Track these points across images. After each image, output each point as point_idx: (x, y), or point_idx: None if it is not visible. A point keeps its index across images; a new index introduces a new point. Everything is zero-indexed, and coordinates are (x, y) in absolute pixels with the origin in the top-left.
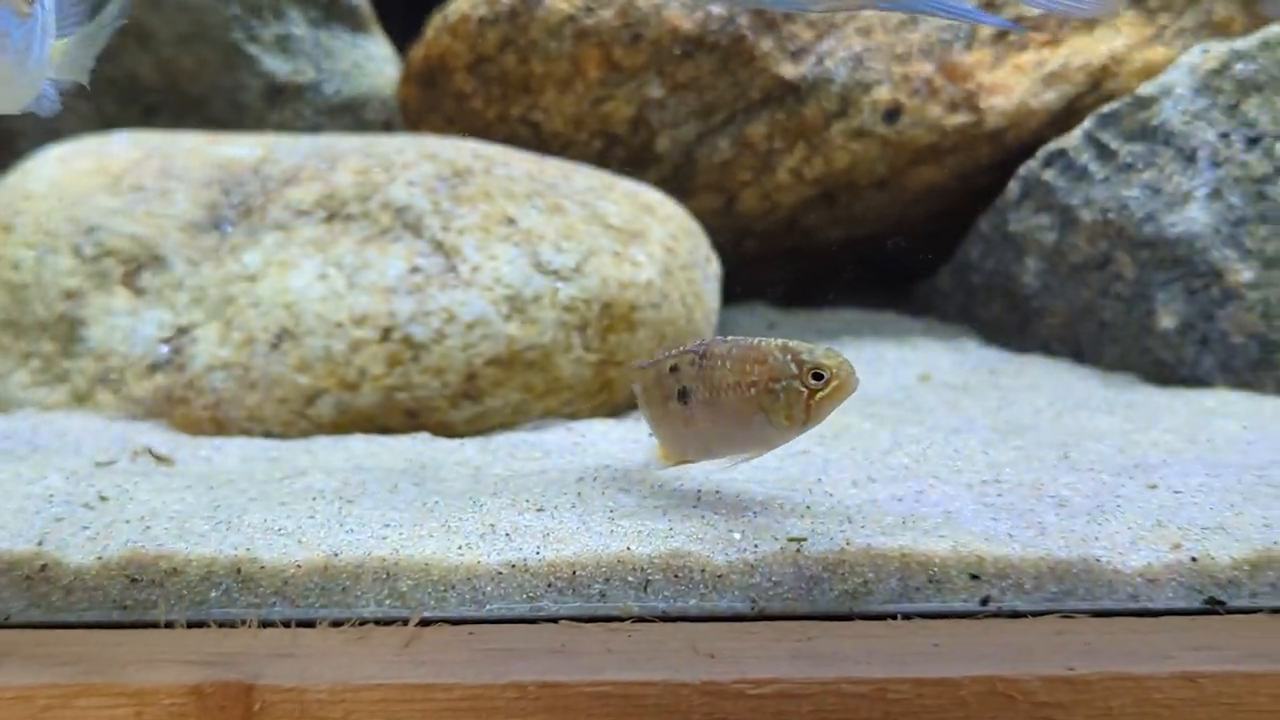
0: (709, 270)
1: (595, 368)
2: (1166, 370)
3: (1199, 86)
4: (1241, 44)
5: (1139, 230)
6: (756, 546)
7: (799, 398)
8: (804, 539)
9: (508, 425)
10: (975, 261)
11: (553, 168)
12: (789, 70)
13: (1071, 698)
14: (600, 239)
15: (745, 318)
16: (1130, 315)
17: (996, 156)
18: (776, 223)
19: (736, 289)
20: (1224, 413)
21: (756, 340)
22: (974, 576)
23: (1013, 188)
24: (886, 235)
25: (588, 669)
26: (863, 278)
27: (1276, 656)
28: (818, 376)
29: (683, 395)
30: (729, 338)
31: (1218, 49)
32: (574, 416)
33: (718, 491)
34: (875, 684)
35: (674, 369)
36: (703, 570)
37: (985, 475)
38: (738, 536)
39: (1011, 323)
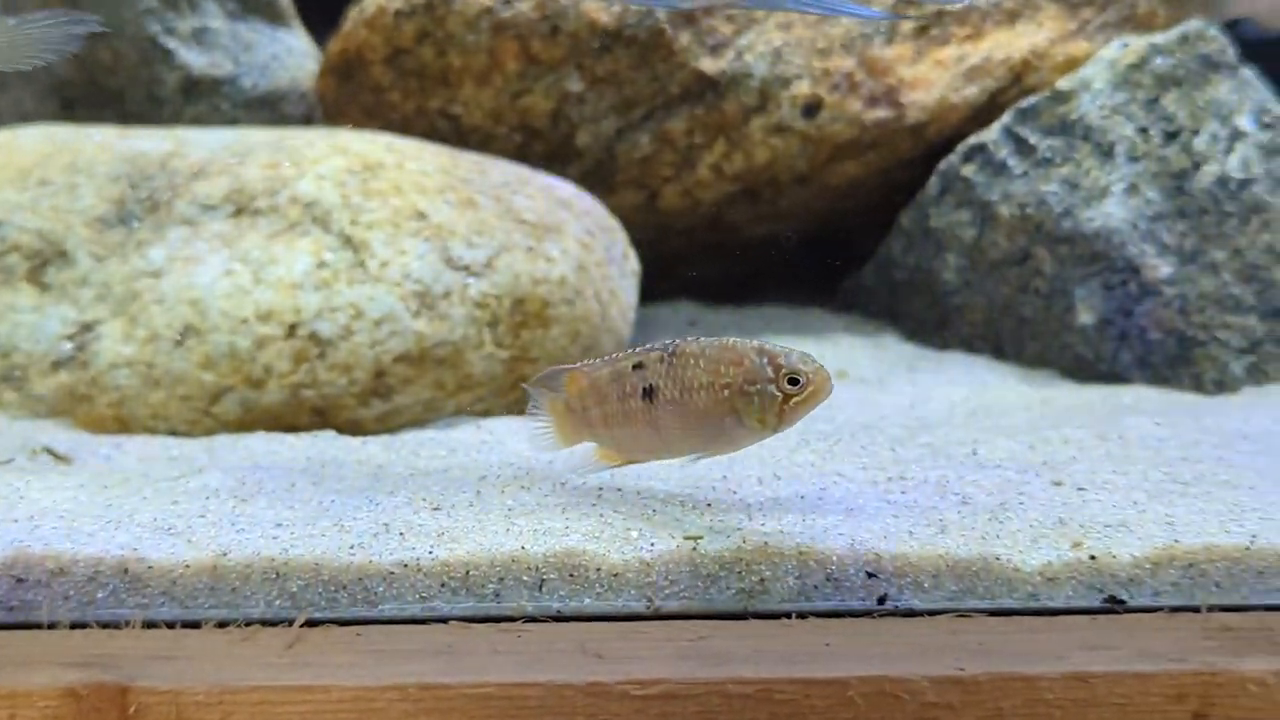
0: (626, 267)
1: (507, 364)
2: (1085, 366)
3: (1117, 81)
4: (1160, 39)
5: (1057, 225)
6: (653, 545)
7: (773, 402)
8: (700, 537)
9: (419, 423)
10: (897, 258)
11: (467, 162)
12: (708, 65)
13: (961, 698)
14: (513, 234)
15: (668, 315)
16: (1049, 311)
17: (918, 151)
18: (700, 219)
19: (661, 286)
20: (1139, 409)
21: (731, 340)
22: (871, 575)
23: (933, 183)
24: (812, 232)
25: (471, 670)
26: (789, 274)
27: (1170, 656)
28: (793, 382)
29: (647, 393)
30: (699, 338)
31: (1137, 44)
32: (487, 414)
33: (619, 489)
34: (761, 684)
35: (638, 366)
36: (598, 569)
37: (891, 472)
38: (635, 534)
39: (932, 319)
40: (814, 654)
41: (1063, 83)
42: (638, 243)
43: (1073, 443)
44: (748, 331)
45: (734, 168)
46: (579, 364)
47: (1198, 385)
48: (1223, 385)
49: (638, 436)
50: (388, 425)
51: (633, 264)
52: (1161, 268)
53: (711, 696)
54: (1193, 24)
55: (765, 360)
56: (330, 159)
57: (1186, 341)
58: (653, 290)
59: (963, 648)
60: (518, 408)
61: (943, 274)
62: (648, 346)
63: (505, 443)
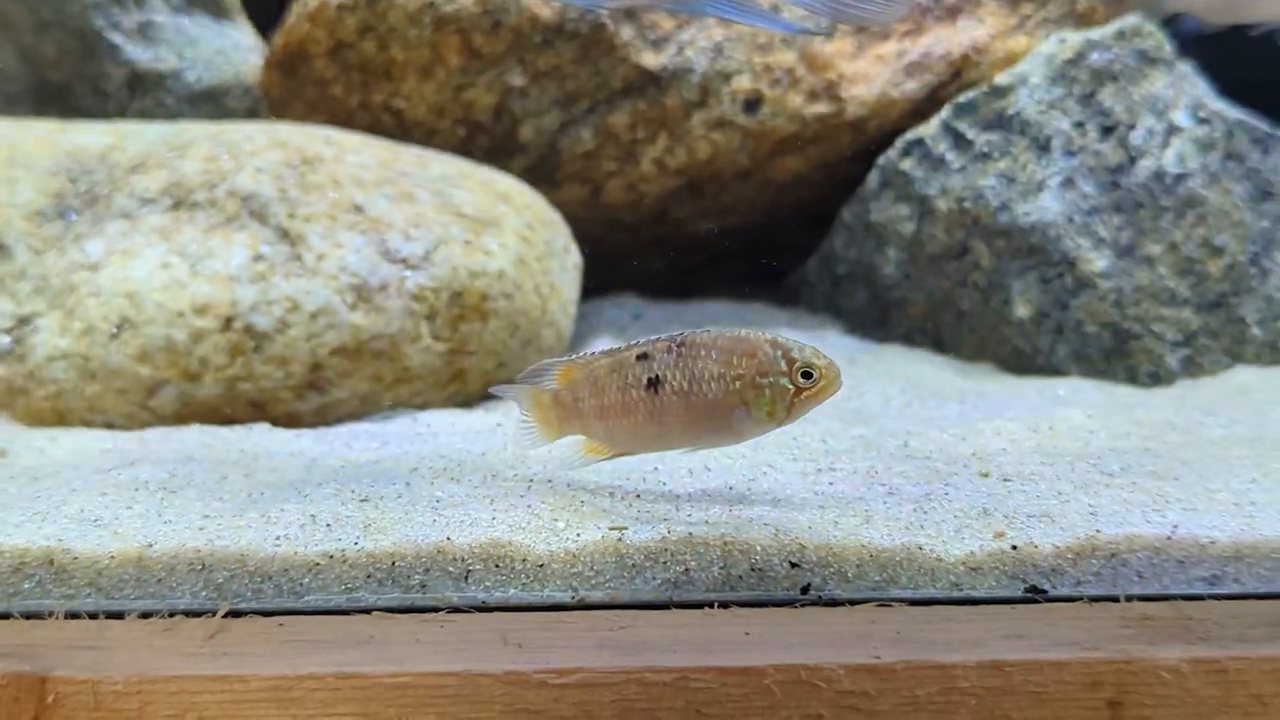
0: (567, 260)
1: (445, 358)
2: (1023, 359)
3: (1054, 76)
4: (1097, 34)
5: (994, 219)
6: (579, 535)
7: (785, 395)
8: (625, 528)
9: (356, 416)
10: (839, 252)
11: (408, 155)
12: (650, 59)
13: (876, 686)
14: (451, 227)
15: (613, 309)
16: (987, 305)
17: (859, 146)
18: (644, 213)
19: (606, 280)
20: (1072, 401)
21: (742, 332)
22: (794, 565)
23: (873, 177)
24: (757, 226)
25: (390, 660)
26: (735, 269)
27: (1085, 644)
28: (806, 375)
29: (652, 384)
30: (708, 328)
31: (1073, 39)
32: (425, 407)
33: (550, 481)
34: (678, 672)
35: (643, 356)
36: (524, 560)
37: (821, 464)
38: (561, 525)
39: (874, 313)
40: (733, 643)
41: (1000, 78)
42: (583, 237)
43: (1004, 434)
44: (689, 325)
45: (676, 162)
46: (574, 355)
47: (1133, 378)
48: (1158, 378)
49: (636, 428)
50: (325, 418)
51: (574, 258)
52: (1097, 261)
53: (628, 685)
54: (1130, 19)
55: (779, 353)
56: (268, 152)
57: (1122, 334)
58: (598, 284)
59: (880, 636)
60: (457, 400)
61: (883, 268)
62: (652, 339)
63: (440, 435)
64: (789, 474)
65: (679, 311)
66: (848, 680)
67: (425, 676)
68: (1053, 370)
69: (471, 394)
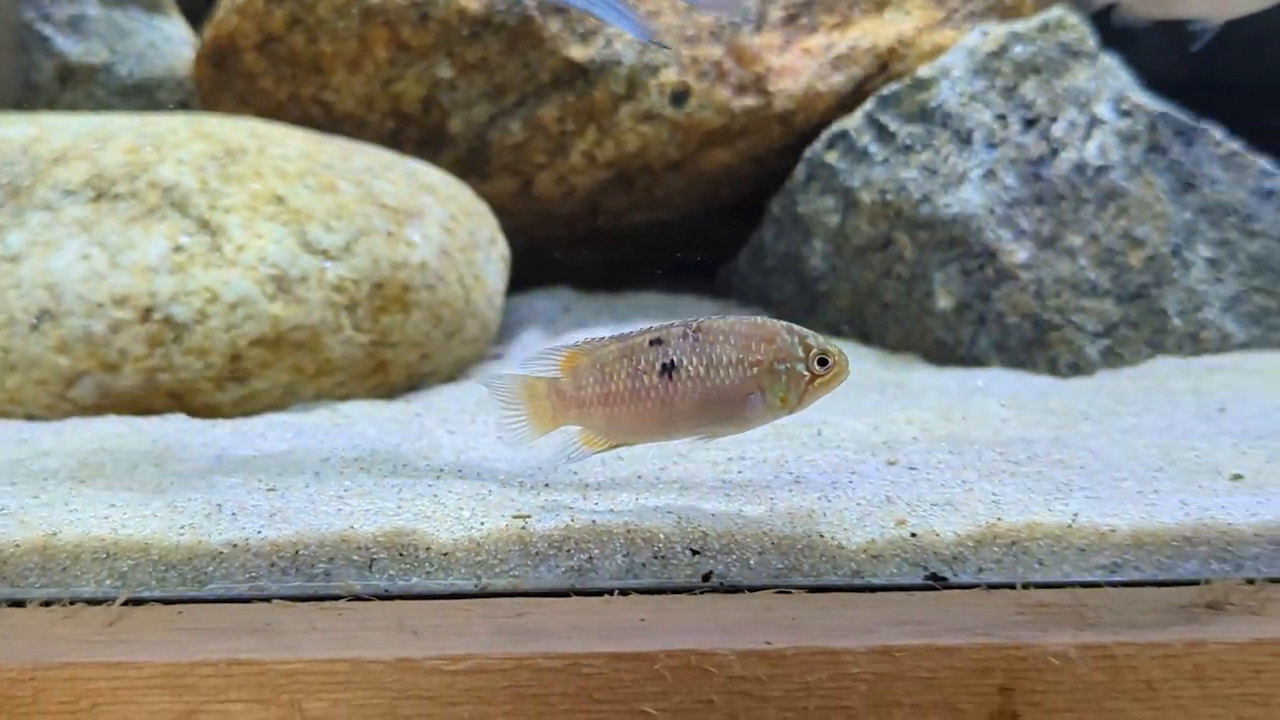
0: (493, 252)
1: (367, 349)
2: (946, 350)
3: (977, 68)
4: (1020, 27)
5: (916, 211)
6: (483, 523)
7: (799, 381)
8: (529, 516)
9: (277, 407)
10: (769, 244)
11: (331, 147)
12: (577, 52)
13: (768, 672)
14: (373, 219)
15: (545, 301)
16: (910, 296)
17: (788, 139)
18: (576, 206)
19: (540, 273)
20: (989, 391)
21: (758, 318)
22: (695, 552)
23: (800, 170)
24: (690, 219)
25: (284, 647)
26: (668, 262)
27: (976, 630)
28: (823, 362)
29: (667, 369)
30: (722, 315)
31: (997, 32)
32: (347, 398)
33: (460, 471)
34: (570, 658)
35: (656, 342)
36: (428, 548)
37: (731, 453)
38: (466, 514)
39: (802, 305)
40: (627, 629)
41: (923, 70)
42: (516, 230)
43: (916, 424)
44: (621, 317)
45: (606, 155)
46: (579, 341)
47: (1053, 368)
48: (1078, 368)
49: (644, 415)
50: (246, 409)
51: (501, 249)
52: (1018, 253)
53: (520, 671)
54: (1054, 12)
55: (795, 339)
56: (192, 144)
57: (1042, 325)
58: (532, 276)
59: (774, 623)
60: (380, 392)
61: (810, 260)
62: (664, 324)
63: (356, 425)
64: (699, 463)
65: (611, 304)
66: (739, 666)
67: (317, 663)
68: (975, 361)
69: (395, 385)
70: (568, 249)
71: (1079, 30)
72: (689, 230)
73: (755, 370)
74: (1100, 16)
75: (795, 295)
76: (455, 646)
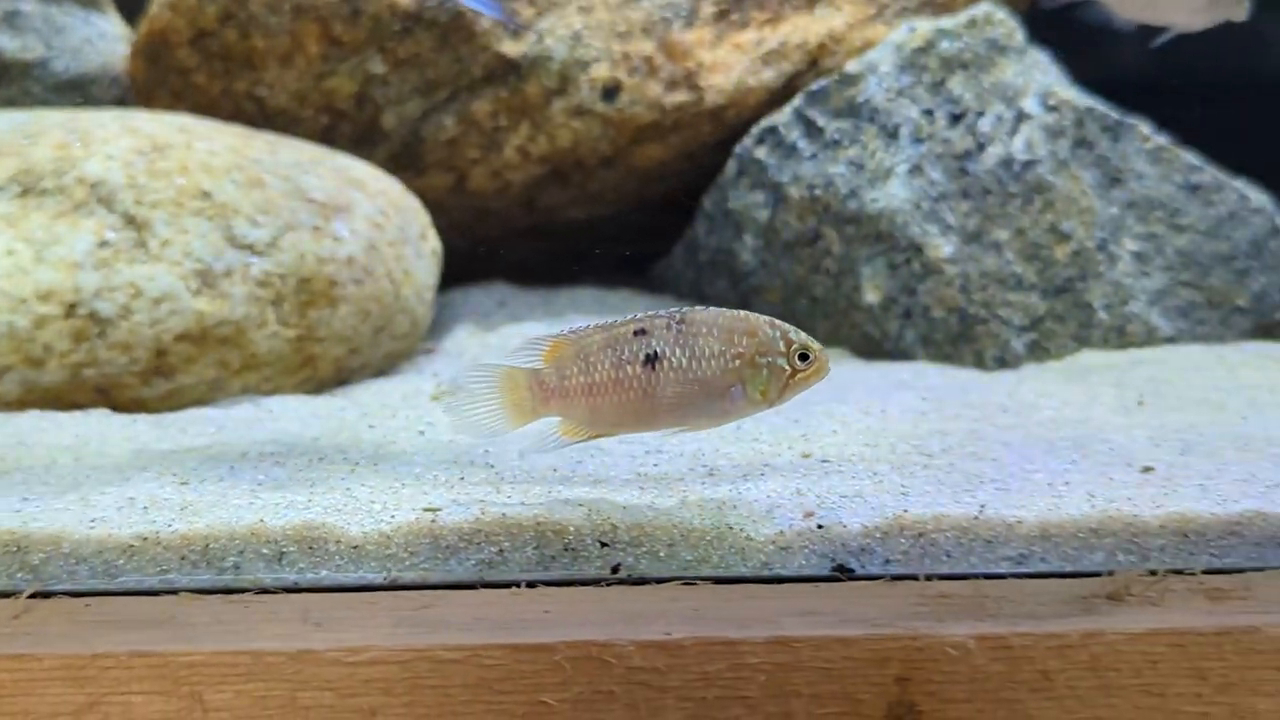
0: (424, 247)
1: (294, 344)
2: (873, 345)
3: (904, 64)
4: (947, 22)
5: (844, 206)
6: (393, 517)
7: (780, 376)
8: (439, 509)
9: (204, 401)
10: (702, 239)
11: (259, 142)
12: (509, 48)
13: (666, 662)
14: (300, 213)
15: (480, 296)
16: (838, 291)
17: (719, 135)
18: (512, 201)
19: (476, 268)
20: (913, 385)
21: (740, 311)
22: (605, 544)
23: (730, 165)
24: (626, 214)
25: (186, 639)
26: (605, 257)
27: (876, 622)
28: (804, 357)
29: (650, 360)
30: (706, 306)
31: (924, 27)
32: (275, 393)
33: (376, 465)
34: (469, 649)
35: (640, 332)
36: (338, 541)
37: (649, 446)
38: (378, 507)
39: (735, 300)
40: (530, 621)
41: (850, 66)
42: (451, 225)
43: (836, 417)
44: (556, 312)
45: (539, 150)
46: (563, 331)
47: (979, 362)
48: (1004, 362)
49: (626, 406)
50: (172, 404)
51: (432, 244)
52: (944, 247)
53: (419, 662)
54: (982, 7)
55: (778, 334)
56: (120, 139)
57: (968, 319)
58: (468, 271)
59: (677, 614)
60: (308, 387)
61: (741, 255)
62: (649, 314)
63: (279, 420)
64: (616, 455)
65: (546, 299)
66: (638, 656)
67: (219, 655)
68: (902, 355)
69: (324, 379)
70: (503, 244)
71: (1007, 25)
72: (624, 225)
73: (737, 363)
74: (1060, 14)
75: (727, 290)
76: (356, 638)
